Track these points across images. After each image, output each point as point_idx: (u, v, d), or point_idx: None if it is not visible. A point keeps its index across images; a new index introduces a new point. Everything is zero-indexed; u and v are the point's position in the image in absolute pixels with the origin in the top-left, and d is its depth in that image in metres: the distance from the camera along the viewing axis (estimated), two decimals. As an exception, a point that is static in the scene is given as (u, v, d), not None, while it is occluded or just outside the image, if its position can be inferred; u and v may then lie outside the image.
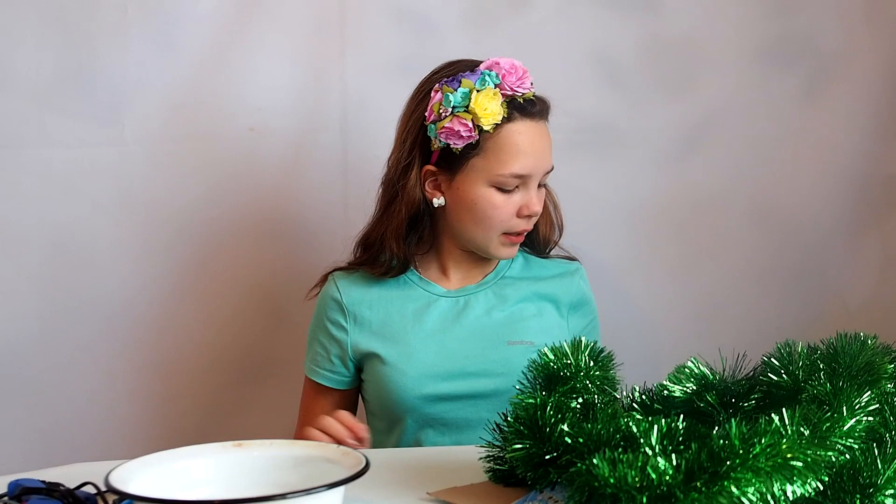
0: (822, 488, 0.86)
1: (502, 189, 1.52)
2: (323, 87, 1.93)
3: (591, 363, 1.11)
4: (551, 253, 1.68)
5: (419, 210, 1.56)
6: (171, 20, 1.88)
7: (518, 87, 1.51)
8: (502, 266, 1.63)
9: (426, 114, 1.52)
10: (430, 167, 1.54)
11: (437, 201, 1.55)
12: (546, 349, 1.13)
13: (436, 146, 1.53)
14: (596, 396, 1.08)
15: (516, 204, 1.53)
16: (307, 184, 1.95)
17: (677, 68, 2.00)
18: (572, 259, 1.68)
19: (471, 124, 1.49)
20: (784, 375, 1.05)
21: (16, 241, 1.86)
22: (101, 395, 1.90)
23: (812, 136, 2.02)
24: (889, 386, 1.03)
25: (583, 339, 1.14)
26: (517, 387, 1.12)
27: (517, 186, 1.52)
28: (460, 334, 1.56)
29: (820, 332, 1.15)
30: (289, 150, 1.94)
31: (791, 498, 0.83)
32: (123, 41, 1.86)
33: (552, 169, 1.55)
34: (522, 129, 1.51)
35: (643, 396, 1.08)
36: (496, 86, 1.50)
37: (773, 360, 1.07)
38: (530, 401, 1.02)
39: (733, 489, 0.81)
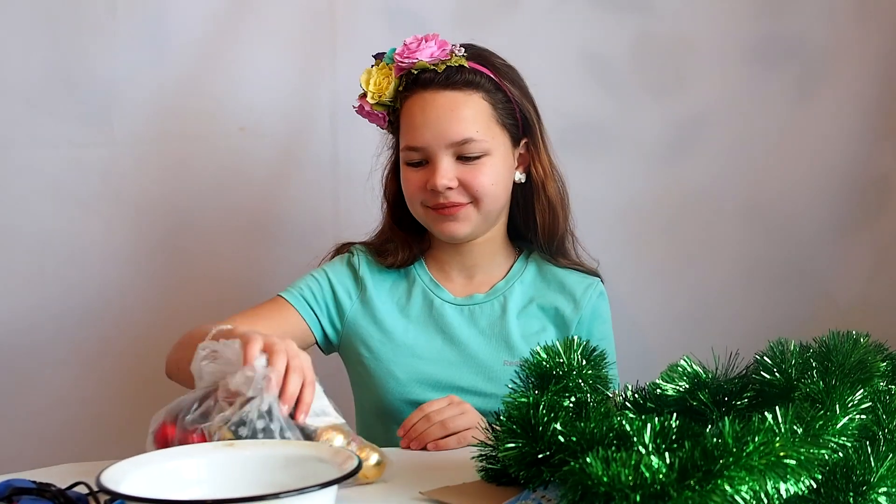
0: (815, 486, 0.86)
1: (411, 164, 1.50)
2: (314, 87, 1.93)
3: (584, 362, 1.11)
4: (574, 259, 1.61)
5: (396, 197, 1.57)
6: (161, 20, 1.88)
7: (406, 58, 1.46)
8: (514, 272, 1.59)
9: None
10: None
11: None
12: (538, 348, 1.13)
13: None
14: (589, 395, 1.07)
15: (423, 178, 1.48)
16: (298, 183, 1.94)
17: (667, 68, 2.01)
18: (593, 273, 1.61)
19: (369, 104, 1.49)
20: (777, 374, 1.05)
21: (4, 242, 1.85)
22: (91, 395, 1.90)
23: (802, 135, 2.03)
24: (881, 384, 1.04)
25: (575, 337, 1.13)
26: (509, 386, 1.11)
27: (426, 160, 1.48)
28: (458, 347, 1.53)
29: (810, 331, 1.15)
30: (279, 149, 1.94)
31: (784, 496, 0.83)
32: (112, 41, 1.86)
33: (468, 140, 1.46)
34: (417, 102, 1.48)
35: (636, 395, 1.08)
36: (393, 61, 1.49)
37: (765, 358, 1.07)
38: (523, 400, 1.02)
39: (727, 487, 0.81)
